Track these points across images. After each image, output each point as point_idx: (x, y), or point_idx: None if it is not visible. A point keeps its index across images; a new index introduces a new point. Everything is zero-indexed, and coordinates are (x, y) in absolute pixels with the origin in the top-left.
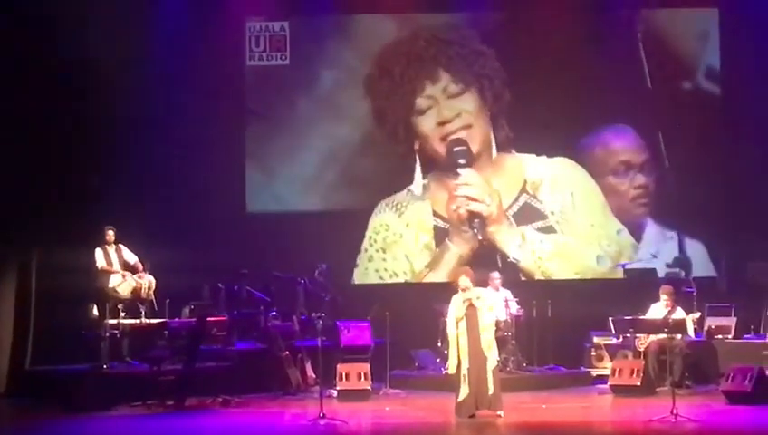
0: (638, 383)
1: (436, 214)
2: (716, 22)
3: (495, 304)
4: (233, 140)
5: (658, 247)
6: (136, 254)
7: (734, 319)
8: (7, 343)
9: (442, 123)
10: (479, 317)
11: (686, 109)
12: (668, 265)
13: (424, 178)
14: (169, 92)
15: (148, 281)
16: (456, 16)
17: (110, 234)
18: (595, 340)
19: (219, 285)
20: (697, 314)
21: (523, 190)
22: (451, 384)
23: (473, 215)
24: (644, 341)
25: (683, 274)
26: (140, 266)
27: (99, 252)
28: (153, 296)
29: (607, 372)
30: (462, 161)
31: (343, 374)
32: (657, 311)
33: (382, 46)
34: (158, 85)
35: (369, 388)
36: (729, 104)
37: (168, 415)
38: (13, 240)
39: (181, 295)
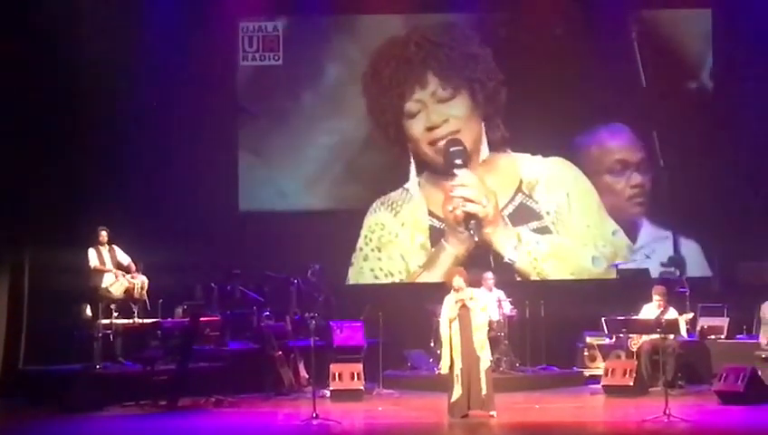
0: (631, 383)
1: (431, 213)
2: (709, 22)
3: (488, 305)
4: (225, 139)
5: (654, 247)
6: (129, 254)
7: (727, 319)
8: (0, 342)
9: (430, 129)
10: (472, 317)
11: (681, 108)
12: (663, 265)
13: (417, 177)
14: (162, 92)
15: (140, 281)
16: (449, 16)
17: (104, 234)
18: (588, 340)
19: (212, 284)
20: (690, 315)
21: (519, 190)
22: (444, 384)
23: (469, 216)
24: (637, 341)
25: (677, 273)
26: (133, 267)
27: (92, 252)
28: (146, 296)
29: (599, 372)
30: (458, 162)
31: (336, 374)
32: (649, 311)
33: (374, 47)
34: (151, 85)
35: (361, 388)
36: (723, 104)
37: (161, 415)
38: (5, 240)
39: (174, 295)
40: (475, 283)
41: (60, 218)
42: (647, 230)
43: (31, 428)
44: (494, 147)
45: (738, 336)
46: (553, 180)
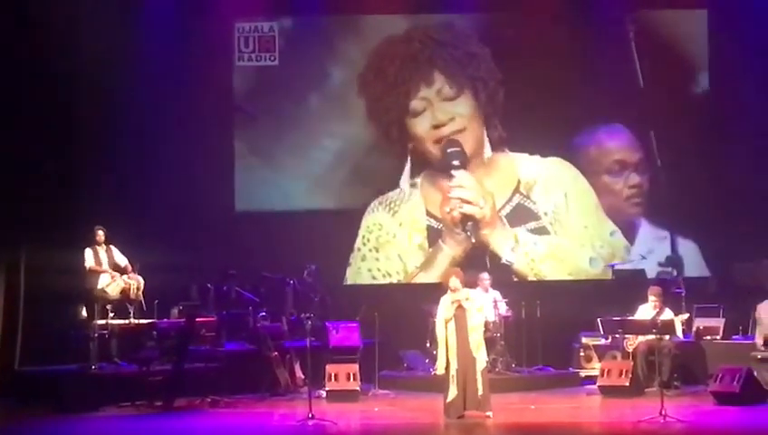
0: (627, 384)
1: (429, 214)
2: (705, 23)
3: (484, 305)
4: (222, 139)
5: (652, 247)
6: (125, 254)
7: (723, 320)
8: None
9: (436, 127)
10: (468, 318)
11: (678, 109)
12: (660, 265)
13: (415, 177)
14: (158, 92)
15: (136, 281)
16: (445, 17)
17: (101, 234)
18: (584, 340)
19: (208, 285)
20: (686, 315)
21: (517, 191)
22: (440, 385)
23: (466, 217)
24: (633, 341)
25: (675, 272)
26: (130, 268)
27: (88, 252)
28: (142, 297)
29: (595, 372)
30: (456, 163)
31: (332, 375)
32: (645, 312)
33: (375, 46)
34: (146, 85)
35: (357, 388)
36: (718, 104)
37: (157, 416)
38: (1, 240)
39: (170, 296)
40: (471, 283)
41: (56, 219)
42: (645, 230)
43: (26, 428)
44: (492, 147)
45: (734, 337)
46: (551, 181)
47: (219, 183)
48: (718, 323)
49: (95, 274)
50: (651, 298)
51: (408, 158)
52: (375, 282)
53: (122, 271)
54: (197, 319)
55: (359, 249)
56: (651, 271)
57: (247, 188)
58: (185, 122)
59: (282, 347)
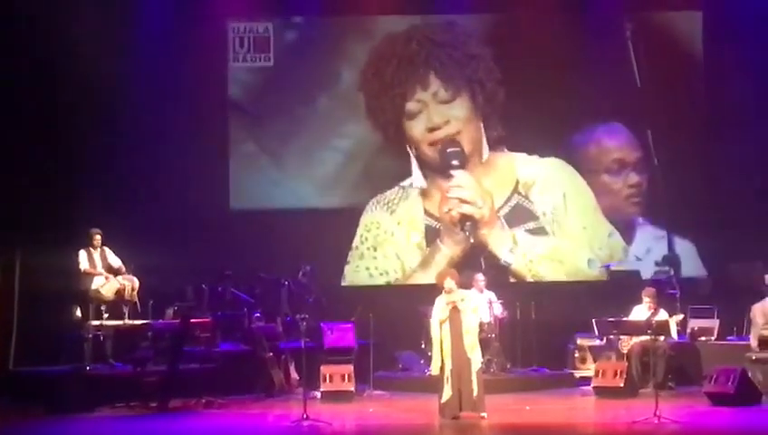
0: (622, 385)
1: (427, 213)
2: (700, 24)
3: (479, 306)
4: (216, 138)
5: (650, 246)
6: (119, 255)
7: (717, 321)
8: None
9: (431, 130)
10: (462, 319)
11: (674, 108)
12: (657, 264)
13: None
14: (152, 92)
15: (131, 282)
16: (446, 17)
17: (98, 237)
18: (578, 341)
19: (203, 286)
20: (680, 316)
21: (515, 191)
22: (435, 386)
23: (465, 217)
24: (627, 342)
25: (672, 272)
26: (124, 269)
27: (83, 254)
28: (136, 298)
29: (590, 373)
30: (455, 163)
31: (327, 376)
32: (639, 313)
33: (374, 46)
34: (140, 85)
35: (352, 389)
36: (714, 105)
37: (152, 416)
38: None
39: (165, 297)
40: (465, 284)
41: (51, 219)
42: (643, 230)
43: (21, 429)
44: (490, 146)
45: (728, 338)
46: (550, 181)
47: (214, 182)
48: (713, 323)
49: (89, 275)
50: (645, 299)
51: (413, 157)
52: (373, 281)
53: (116, 272)
54: (192, 320)
55: (356, 248)
56: (648, 270)
57: (243, 187)
58: (179, 122)
59: (276, 348)
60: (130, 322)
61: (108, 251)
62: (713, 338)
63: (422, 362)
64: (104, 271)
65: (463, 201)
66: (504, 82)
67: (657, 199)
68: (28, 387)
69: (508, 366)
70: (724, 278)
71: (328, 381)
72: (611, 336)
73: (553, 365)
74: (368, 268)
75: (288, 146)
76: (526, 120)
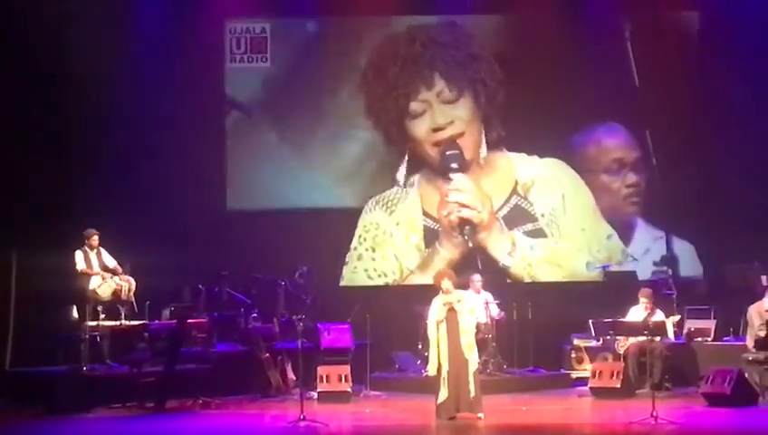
0: (618, 386)
1: (426, 213)
2: (696, 25)
3: (476, 307)
4: (213, 139)
5: (648, 246)
6: (116, 255)
7: (714, 321)
8: None
9: (435, 130)
10: (459, 320)
11: (672, 109)
12: (655, 264)
13: (411, 175)
14: (149, 92)
15: (128, 283)
16: (443, 18)
17: (95, 238)
18: (575, 342)
19: (200, 286)
20: (677, 317)
21: (514, 192)
22: (431, 386)
23: (464, 221)
24: (624, 343)
25: (670, 272)
26: (120, 270)
27: (79, 254)
28: (133, 298)
29: (587, 374)
30: (454, 166)
31: (324, 376)
32: (636, 314)
33: (373, 48)
34: (137, 85)
35: (349, 390)
36: (711, 105)
37: (148, 417)
38: None
39: (161, 297)
40: (462, 285)
41: (47, 220)
42: (642, 230)
43: (18, 429)
44: (490, 147)
45: (725, 338)
46: (549, 182)
47: (211, 183)
48: (709, 324)
49: (86, 276)
50: (642, 300)
51: (406, 155)
52: (371, 282)
53: (112, 273)
54: (189, 320)
55: (355, 248)
56: (646, 271)
57: (240, 187)
58: (176, 122)
59: (273, 348)
60: (127, 322)
61: (103, 251)
62: (709, 339)
63: (419, 362)
64: (100, 271)
65: (462, 205)
66: (503, 83)
67: (655, 199)
68: (25, 387)
69: (505, 367)
70: (721, 279)
71: (325, 381)
72: (608, 337)
73: (550, 366)
74: (366, 270)
75: (286, 147)
76: (525, 121)
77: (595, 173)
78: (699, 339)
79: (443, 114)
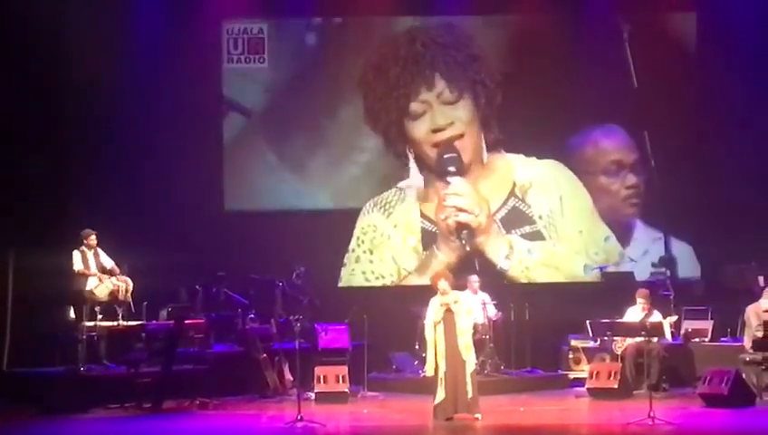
0: (616, 386)
1: (423, 216)
2: (694, 25)
3: (473, 308)
4: (210, 139)
5: (647, 248)
6: (113, 256)
7: (711, 322)
8: None
9: (435, 131)
10: (456, 321)
11: (671, 110)
12: (654, 265)
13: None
14: (146, 93)
15: (125, 283)
16: (442, 19)
17: (93, 238)
18: (572, 343)
19: (197, 287)
20: (674, 318)
21: (512, 194)
22: (429, 387)
23: (461, 226)
24: (621, 344)
25: (668, 273)
26: (117, 270)
27: (76, 254)
28: (130, 299)
29: (584, 374)
30: (452, 169)
31: (321, 377)
32: (633, 314)
33: (373, 48)
34: (134, 85)
35: (346, 390)
36: (710, 105)
37: (146, 417)
38: None
39: (158, 298)
40: (460, 286)
41: (44, 220)
42: (640, 231)
43: (15, 430)
44: (488, 148)
45: (722, 339)
46: (546, 184)
47: (208, 183)
48: (707, 325)
49: (83, 276)
50: (639, 301)
51: (412, 158)
52: (368, 284)
53: (109, 273)
54: (186, 321)
55: (353, 250)
56: (645, 271)
57: (237, 188)
58: (173, 123)
59: (270, 349)
60: (124, 323)
61: (100, 252)
62: (707, 339)
63: (416, 363)
64: (98, 271)
65: (460, 210)
66: (502, 84)
67: (654, 201)
68: (22, 388)
69: (502, 367)
70: (719, 280)
71: (322, 382)
72: (605, 337)
73: (547, 366)
74: (363, 272)
75: (283, 147)
76: (524, 122)
77: (593, 175)
78: (696, 340)
79: (443, 115)
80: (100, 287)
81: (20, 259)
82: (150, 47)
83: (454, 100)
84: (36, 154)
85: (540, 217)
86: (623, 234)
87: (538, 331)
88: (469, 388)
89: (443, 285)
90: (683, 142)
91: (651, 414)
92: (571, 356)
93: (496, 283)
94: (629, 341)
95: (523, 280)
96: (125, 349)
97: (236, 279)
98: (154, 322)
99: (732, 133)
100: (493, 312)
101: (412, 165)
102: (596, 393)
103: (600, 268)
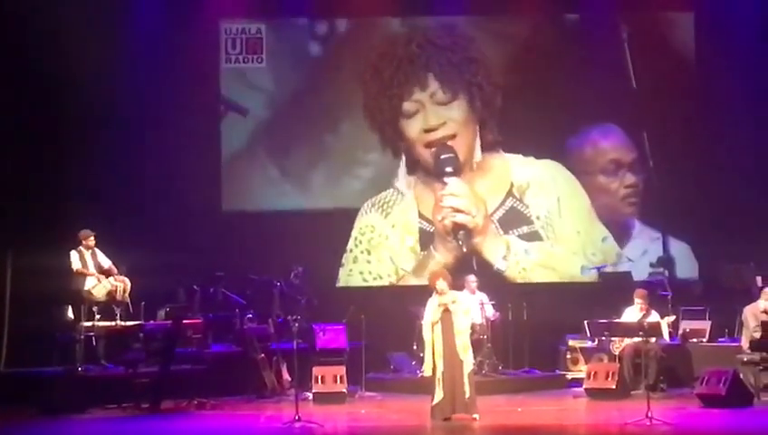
0: (613, 386)
1: (421, 216)
2: (692, 25)
3: (471, 308)
4: (208, 139)
5: (646, 247)
6: (111, 256)
7: (709, 322)
8: None
9: (427, 130)
10: (454, 321)
11: (669, 110)
12: (652, 265)
13: (410, 176)
14: (144, 92)
15: (123, 283)
16: (440, 20)
17: (91, 239)
18: (570, 343)
19: (195, 287)
20: (672, 318)
21: (510, 194)
22: (426, 387)
23: (458, 226)
24: (619, 344)
25: (666, 273)
26: (115, 270)
27: (74, 254)
28: (128, 299)
29: (582, 375)
30: (449, 169)
31: (319, 377)
32: (631, 314)
33: (370, 48)
34: (132, 85)
35: (344, 391)
36: (708, 105)
37: (143, 418)
38: None
39: (156, 298)
40: (458, 286)
41: (42, 220)
42: (639, 231)
43: (13, 430)
44: (486, 149)
45: (720, 339)
46: (544, 184)
47: (206, 184)
48: (704, 325)
49: (81, 276)
50: (637, 301)
51: (403, 158)
52: (366, 284)
53: (107, 273)
54: (184, 321)
55: (351, 250)
56: (643, 271)
57: (235, 188)
58: (171, 123)
59: (268, 349)
60: (122, 323)
61: (98, 251)
62: (704, 340)
63: (414, 363)
64: (96, 271)
65: (456, 210)
66: (500, 85)
67: (652, 201)
68: (20, 388)
69: (500, 368)
70: (716, 280)
71: (320, 382)
72: (603, 338)
73: (545, 367)
74: (361, 272)
75: (281, 146)
76: (522, 123)
77: (592, 174)
78: (694, 340)
79: (435, 115)
80: (97, 287)
81: (18, 259)
82: (148, 47)
83: (447, 100)
84: (34, 154)
85: (537, 218)
86: (621, 233)
87: (536, 331)
88: (467, 388)
89: (441, 284)
90: (681, 142)
91: (649, 414)
92: (568, 356)
93: (494, 283)
94: (627, 341)
95: (520, 281)
96: (123, 349)
97: (234, 279)
98: (152, 322)
99: (730, 133)
100: (491, 312)
101: (402, 167)
102: (594, 394)
103: (598, 268)
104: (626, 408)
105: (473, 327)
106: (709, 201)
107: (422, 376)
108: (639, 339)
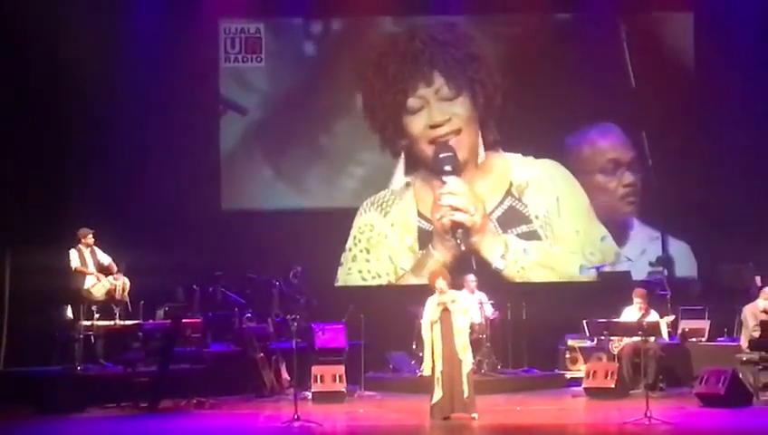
0: (612, 386)
1: (420, 215)
2: (691, 26)
3: (470, 307)
4: (207, 139)
5: (645, 247)
6: (110, 255)
7: (708, 322)
8: None
9: (432, 126)
10: (453, 320)
11: (668, 109)
12: (651, 264)
13: (408, 176)
14: (143, 91)
15: (122, 282)
16: (440, 19)
17: (90, 237)
18: (569, 342)
19: (194, 286)
20: (671, 317)
21: (509, 193)
22: (426, 386)
23: (456, 225)
24: (618, 343)
25: (665, 272)
26: (114, 268)
27: (73, 253)
28: (127, 298)
29: (581, 374)
30: (448, 168)
31: (318, 376)
32: (630, 314)
33: (372, 45)
34: (131, 85)
35: (343, 390)
36: (707, 105)
37: (142, 417)
38: None
39: (155, 297)
40: (457, 285)
41: (41, 219)
42: (638, 230)
43: (11, 429)
44: (486, 147)
45: (719, 339)
46: (543, 183)
47: (205, 183)
48: (703, 324)
49: (81, 275)
50: (636, 300)
51: (402, 156)
52: (365, 283)
53: (107, 270)
54: (183, 320)
55: (350, 249)
56: (642, 271)
57: (234, 187)
58: (170, 122)
59: (267, 348)
60: (121, 322)
61: (97, 250)
62: (703, 339)
63: (413, 362)
64: (95, 270)
65: (455, 209)
66: (500, 84)
67: (651, 200)
68: (18, 387)
69: (499, 367)
70: (715, 279)
71: (319, 381)
72: (602, 337)
73: (544, 366)
74: (360, 271)
75: (280, 146)
76: (521, 122)
77: (591, 174)
78: (693, 339)
79: (440, 111)
80: (96, 286)
81: (17, 258)
82: (148, 46)
83: (452, 96)
84: (33, 153)
85: (536, 217)
86: (620, 232)
87: (535, 330)
88: (466, 387)
89: (440, 283)
90: (680, 141)
91: (648, 414)
92: (567, 356)
93: (492, 282)
94: (626, 340)
95: (519, 280)
96: (122, 348)
97: (233, 278)
98: (151, 321)
99: (729, 132)
100: (490, 311)
101: (400, 166)
102: (593, 393)
103: (597, 268)
104: (625, 407)
105: (472, 326)
106: (708, 200)
107: (421, 375)
108: (638, 338)
